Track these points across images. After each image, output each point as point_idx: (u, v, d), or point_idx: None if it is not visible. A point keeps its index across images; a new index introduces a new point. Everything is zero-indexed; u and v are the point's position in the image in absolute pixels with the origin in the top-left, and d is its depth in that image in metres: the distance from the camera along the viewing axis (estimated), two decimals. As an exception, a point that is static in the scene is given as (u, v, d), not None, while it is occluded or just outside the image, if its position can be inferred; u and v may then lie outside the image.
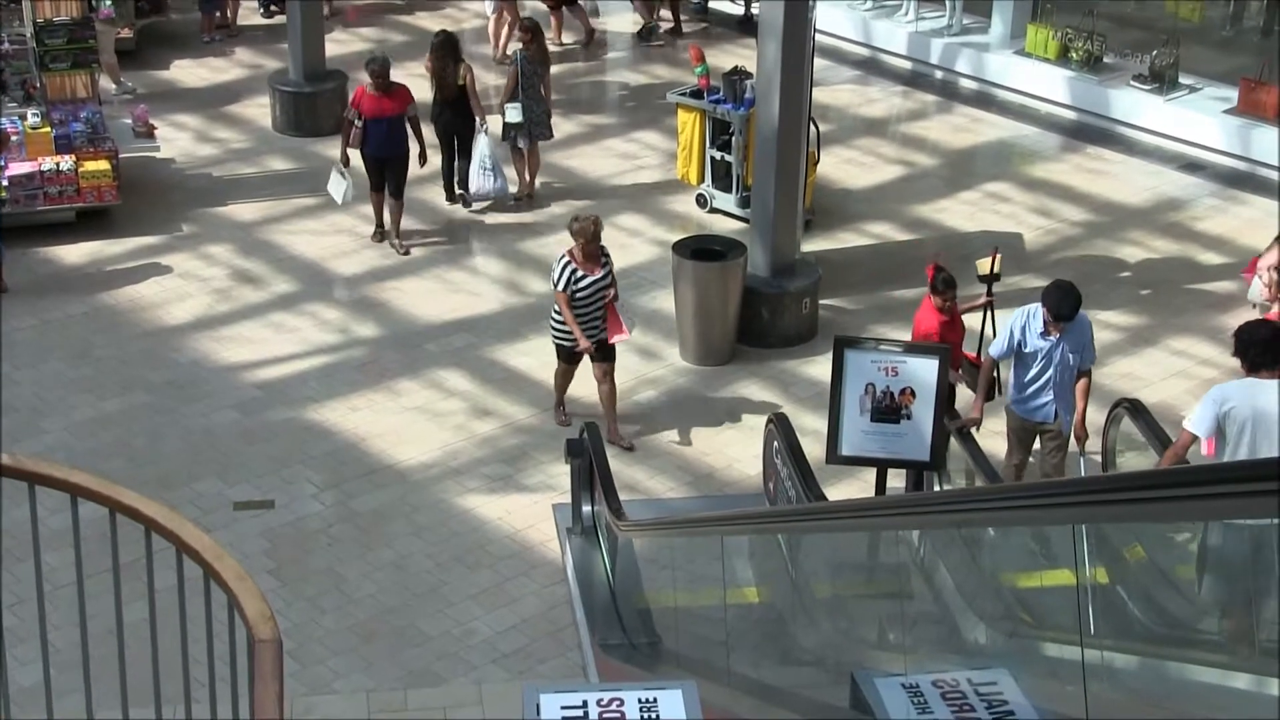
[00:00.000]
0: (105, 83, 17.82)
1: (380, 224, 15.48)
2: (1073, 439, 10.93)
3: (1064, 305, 10.51)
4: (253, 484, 12.00)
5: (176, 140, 17.56)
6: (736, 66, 15.98)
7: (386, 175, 15.15)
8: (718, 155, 15.94)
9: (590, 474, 11.10)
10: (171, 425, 12.69)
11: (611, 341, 12.34)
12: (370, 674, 10.15)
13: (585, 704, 5.47)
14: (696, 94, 15.98)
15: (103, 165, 15.40)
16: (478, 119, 15.72)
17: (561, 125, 18.21)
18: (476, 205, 16.14)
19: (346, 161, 15.19)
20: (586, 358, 12.27)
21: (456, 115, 15.77)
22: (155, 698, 5.79)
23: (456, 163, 16.04)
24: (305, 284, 14.88)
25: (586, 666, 10.13)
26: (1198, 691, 5.39)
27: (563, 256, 12.20)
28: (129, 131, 16.37)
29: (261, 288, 14.82)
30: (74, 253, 15.22)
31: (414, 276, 15.00)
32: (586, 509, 11.31)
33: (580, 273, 12.08)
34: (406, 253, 15.28)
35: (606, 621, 10.46)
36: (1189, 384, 13.38)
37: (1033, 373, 10.82)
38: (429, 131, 15.59)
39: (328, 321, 14.25)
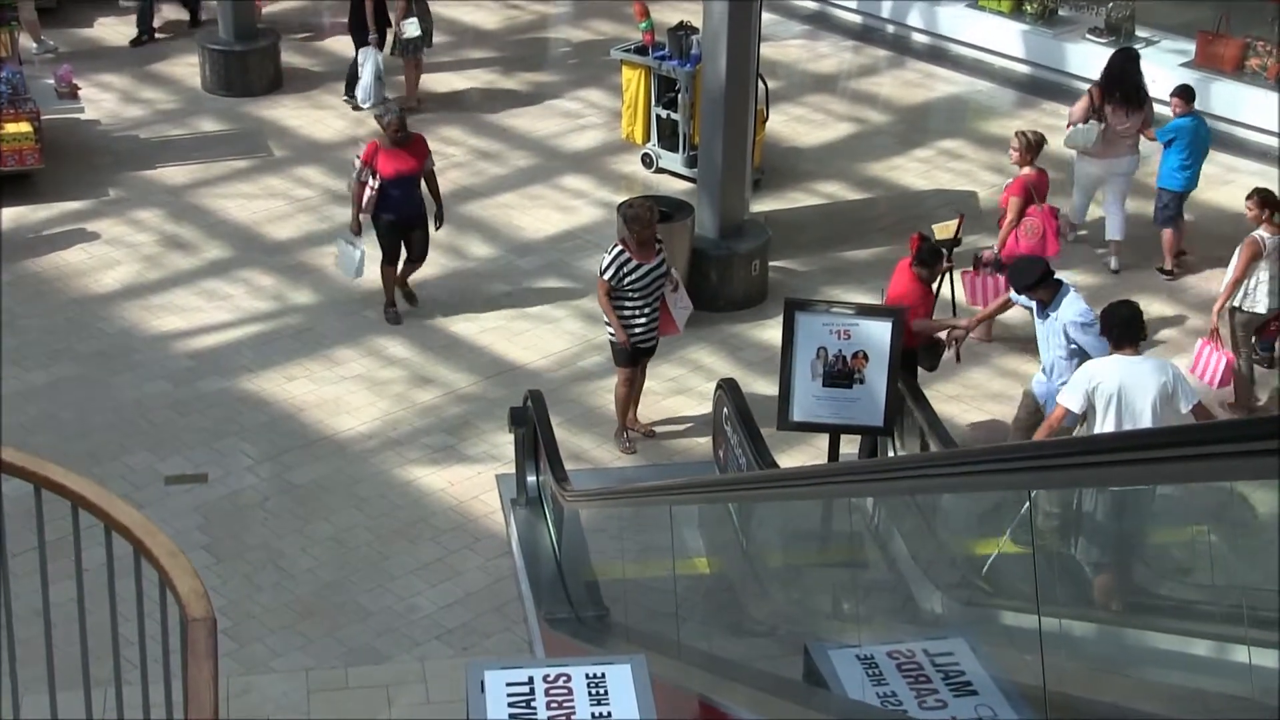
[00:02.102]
0: (25, 41, 17.63)
1: (392, 300, 13.65)
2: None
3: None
4: (185, 457, 11.93)
5: (101, 101, 17.40)
6: (682, 21, 15.95)
7: (407, 244, 13.52)
8: (663, 113, 15.92)
9: (535, 443, 11.09)
10: (100, 397, 12.60)
11: (662, 335, 12.14)
12: (309, 652, 10.13)
13: (531, 680, 5.47)
14: (641, 50, 15.94)
15: (24, 128, 15.23)
16: (370, 30, 16.74)
17: (502, 83, 18.17)
18: (364, 105, 16.95)
19: (358, 230, 13.48)
20: None
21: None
22: (84, 680, 5.76)
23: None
24: (238, 249, 14.79)
25: (532, 642, 10.14)
26: (1158, 659, 5.43)
27: (615, 245, 11.86)
28: (51, 92, 16.19)
29: (192, 254, 14.72)
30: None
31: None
32: (531, 479, 11.30)
33: (634, 262, 11.73)
34: (415, 302, 13.82)
35: (552, 595, 10.47)
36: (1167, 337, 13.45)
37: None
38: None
39: (262, 288, 14.17)
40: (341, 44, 18.15)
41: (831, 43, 19.51)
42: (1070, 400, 9.88)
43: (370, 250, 13.51)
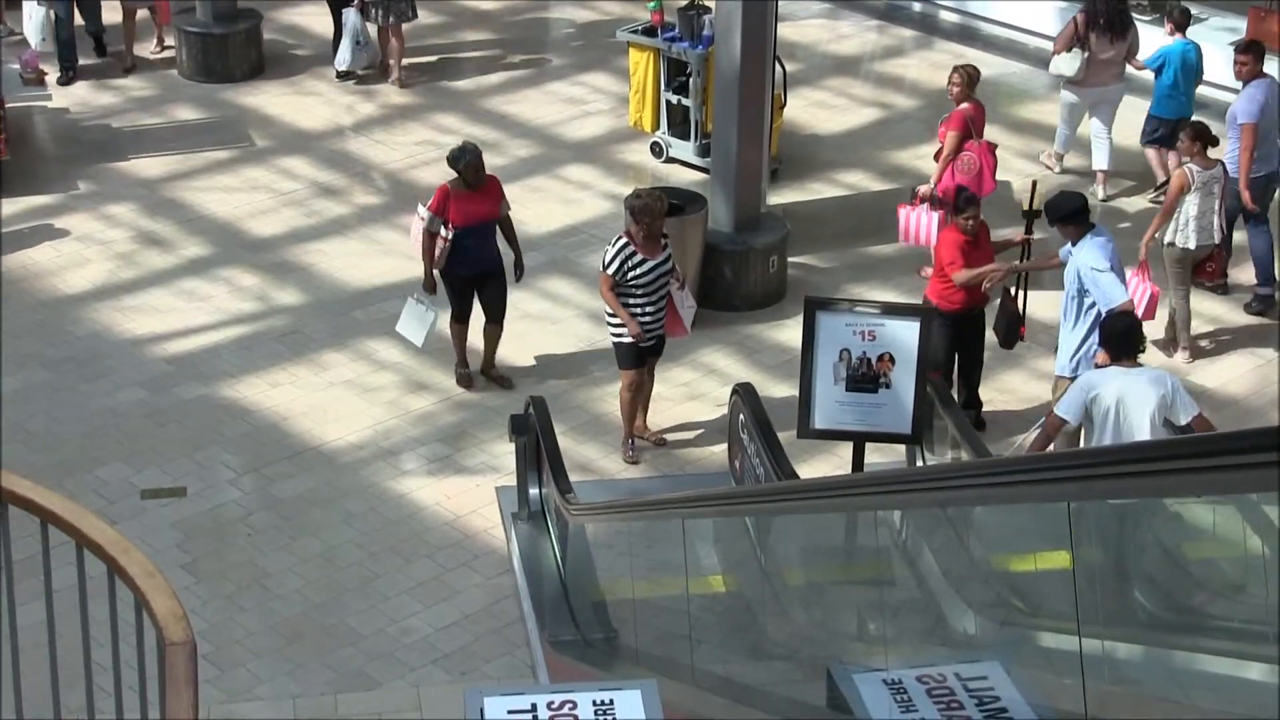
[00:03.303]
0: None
1: (465, 362, 12.95)
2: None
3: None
4: (163, 469, 11.95)
5: (71, 88, 17.43)
6: (693, 0, 15.95)
7: (481, 298, 12.83)
8: (674, 99, 15.92)
9: (537, 453, 11.10)
10: (71, 405, 12.62)
11: (670, 337, 12.18)
12: (296, 678, 10.14)
13: (534, 707, 5.47)
14: (650, 31, 15.95)
15: (-12, 117, 15.28)
16: None
17: (500, 67, 18.18)
18: (357, 73, 17.58)
19: (433, 289, 12.75)
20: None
21: None
22: (54, 710, 5.76)
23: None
24: (218, 246, 14.81)
25: (535, 666, 10.14)
26: (1207, 683, 5.42)
27: (620, 237, 11.89)
28: (17, 78, 16.26)
29: (169, 251, 14.74)
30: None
31: (339, 237, 14.96)
32: (534, 492, 11.31)
33: (639, 256, 11.77)
34: (510, 385, 12.96)
35: (557, 616, 10.47)
36: (1198, 344, 13.45)
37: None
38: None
39: (244, 288, 14.19)
40: (325, 25, 18.17)
41: (854, 22, 19.51)
42: (1067, 411, 10.15)
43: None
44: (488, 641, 10.48)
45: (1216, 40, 17.25)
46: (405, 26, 17.60)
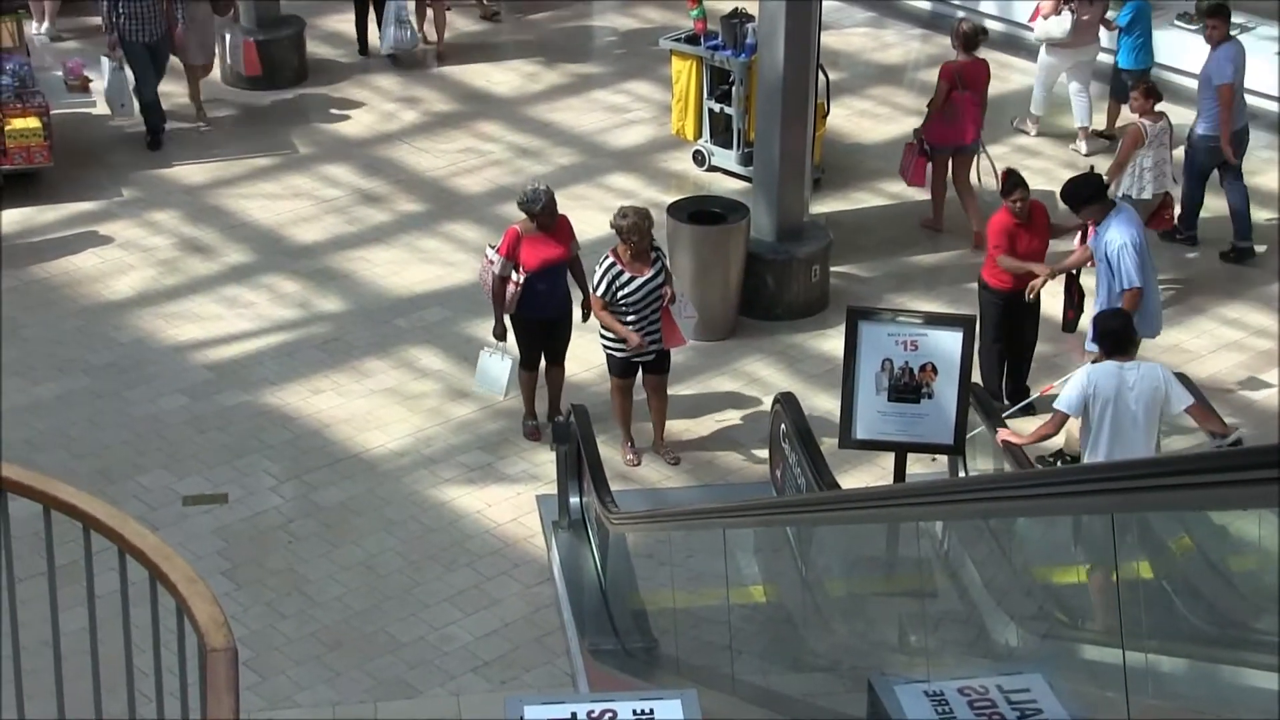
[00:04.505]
0: (31, 30, 17.78)
1: (533, 414, 12.54)
2: None
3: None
4: (204, 476, 11.99)
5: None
6: (736, 8, 15.96)
7: (547, 344, 12.41)
8: (716, 107, 15.92)
9: (578, 462, 11.10)
10: (113, 412, 12.67)
11: (668, 348, 12.12)
12: (336, 686, 10.16)
13: (574, 716, 5.48)
14: (692, 39, 15.95)
15: (32, 123, 15.34)
16: None
17: (543, 75, 18.21)
18: (384, 52, 18.10)
19: (503, 335, 12.35)
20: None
21: None
22: (96, 715, 5.79)
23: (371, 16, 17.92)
24: (260, 253, 14.86)
25: (575, 675, 10.14)
26: (1252, 698, 5.39)
27: (606, 256, 11.84)
28: (61, 85, 16.32)
29: (212, 258, 14.80)
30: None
31: (381, 245, 14.99)
32: (574, 500, 11.32)
33: (626, 275, 11.74)
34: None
35: (597, 624, 10.47)
36: (1242, 357, 13.40)
37: None
38: None
39: (286, 295, 14.23)
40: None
41: (898, 31, 19.48)
42: (1066, 405, 10.37)
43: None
44: (528, 650, 10.49)
45: (1264, 51, 17.16)
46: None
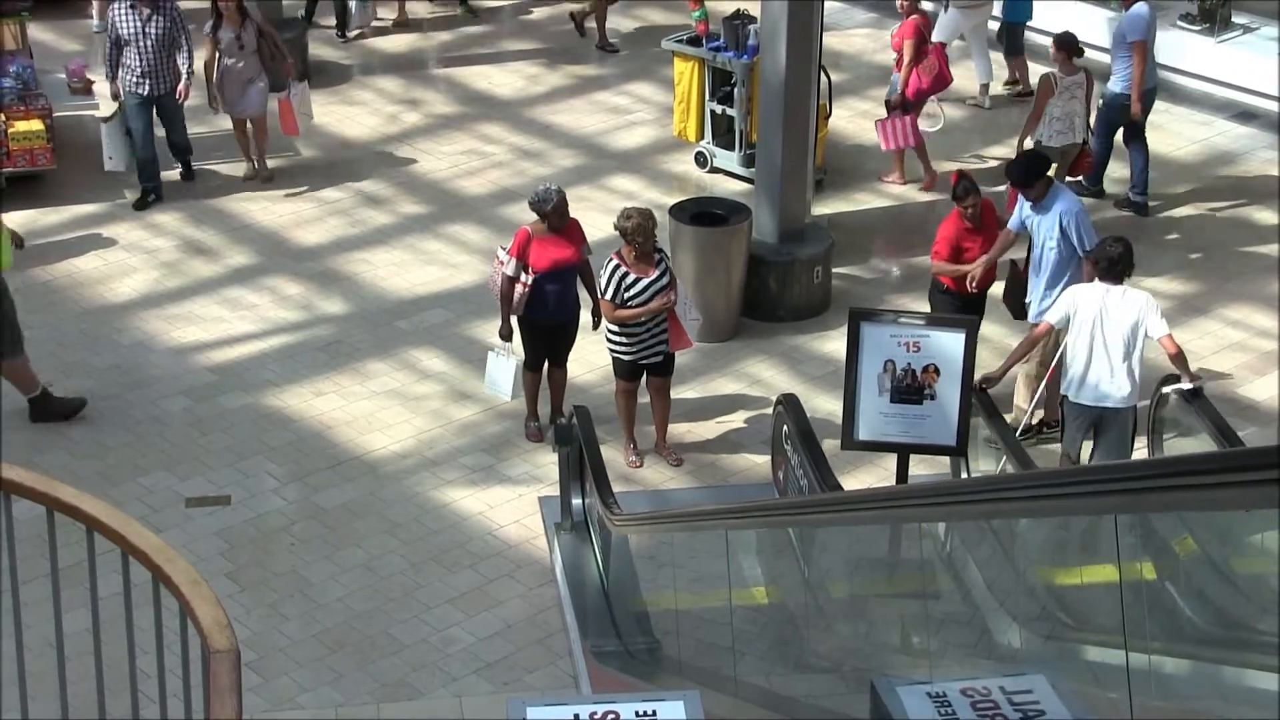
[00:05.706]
0: (36, 33, 17.79)
1: (536, 414, 12.52)
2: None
3: None
4: (207, 478, 11.99)
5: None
6: (738, 10, 15.96)
7: (552, 347, 12.41)
8: (718, 109, 15.93)
9: (580, 463, 11.10)
10: (115, 414, 12.67)
11: (674, 351, 12.12)
12: (339, 687, 10.16)
13: (577, 717, 5.48)
14: (694, 41, 15.96)
15: (35, 125, 15.36)
16: None
17: (545, 77, 18.21)
18: (352, 31, 19.09)
19: (509, 336, 12.34)
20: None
21: None
22: (99, 714, 5.79)
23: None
24: (262, 256, 14.87)
25: (578, 676, 10.14)
26: (1255, 699, 5.40)
27: (610, 259, 11.82)
28: (64, 87, 16.32)
29: (214, 260, 14.80)
30: (3, 223, 15.17)
31: (383, 247, 15.00)
32: (577, 502, 11.32)
33: (632, 276, 11.73)
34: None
35: (600, 626, 10.48)
36: (1245, 357, 13.39)
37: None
38: None
39: (289, 297, 14.24)
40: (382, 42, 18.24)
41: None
42: (1053, 317, 11.06)
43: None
44: (530, 652, 10.49)
45: (1264, 51, 17.18)
46: None
